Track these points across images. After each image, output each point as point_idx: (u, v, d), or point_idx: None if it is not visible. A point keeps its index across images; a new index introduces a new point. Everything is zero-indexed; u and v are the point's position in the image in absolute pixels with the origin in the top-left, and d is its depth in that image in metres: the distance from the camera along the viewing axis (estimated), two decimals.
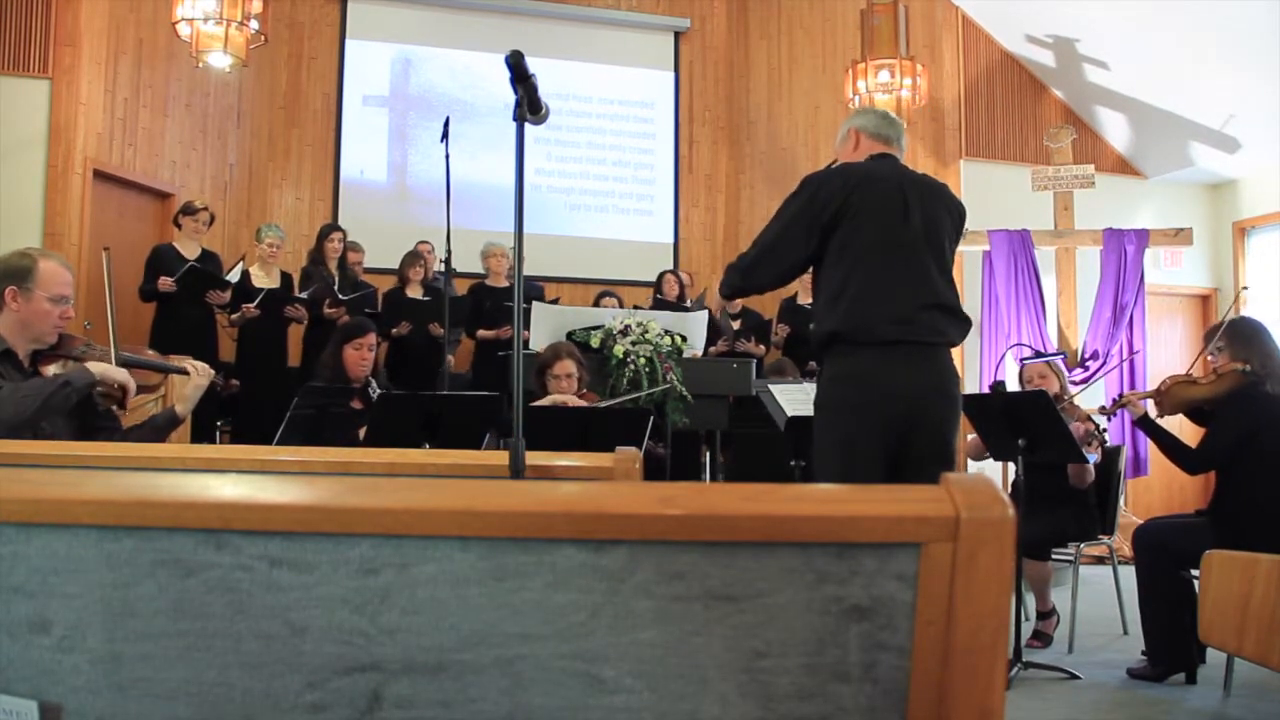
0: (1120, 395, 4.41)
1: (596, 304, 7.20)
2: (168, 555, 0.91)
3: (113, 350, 3.06)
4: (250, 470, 2.04)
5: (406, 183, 8.70)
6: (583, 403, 4.49)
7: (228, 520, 0.90)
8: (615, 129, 9.19)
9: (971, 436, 4.76)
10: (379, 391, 4.39)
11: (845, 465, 2.87)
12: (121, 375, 2.92)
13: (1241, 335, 4.06)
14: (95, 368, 2.87)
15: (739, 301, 7.45)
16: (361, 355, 4.44)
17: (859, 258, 2.91)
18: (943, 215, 3.03)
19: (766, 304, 7.75)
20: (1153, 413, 4.30)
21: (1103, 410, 4.64)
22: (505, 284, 7.02)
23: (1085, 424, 4.56)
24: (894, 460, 2.89)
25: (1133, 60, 7.60)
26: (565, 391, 4.51)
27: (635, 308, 6.68)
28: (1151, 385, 4.49)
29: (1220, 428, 4.05)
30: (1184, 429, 4.39)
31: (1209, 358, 4.19)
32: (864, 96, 7.38)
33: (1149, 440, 4.36)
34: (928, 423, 2.90)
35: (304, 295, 6.49)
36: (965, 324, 3.03)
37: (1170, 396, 4.17)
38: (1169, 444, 4.18)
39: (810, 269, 3.07)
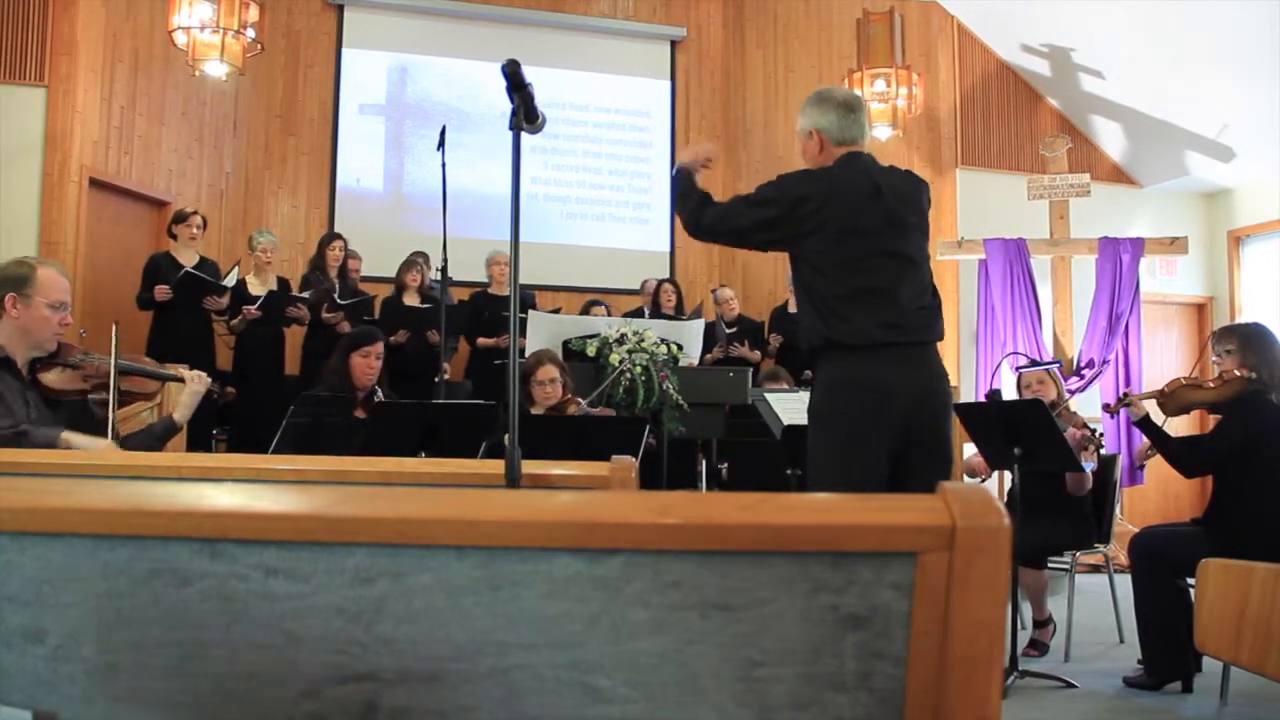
0: (1125, 394, 4.41)
1: (585, 312, 7.19)
2: (163, 564, 0.91)
3: (110, 427, 3.03)
4: (246, 479, 2.04)
5: (403, 191, 8.70)
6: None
7: (223, 529, 0.90)
8: (611, 138, 9.20)
9: (969, 456, 4.78)
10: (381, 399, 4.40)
11: (845, 472, 2.88)
12: (96, 447, 2.83)
13: (1253, 341, 4.06)
14: (68, 437, 2.80)
15: (736, 309, 7.46)
16: (369, 364, 4.45)
17: (844, 266, 2.93)
18: (915, 208, 3.06)
19: (762, 310, 7.76)
20: (1155, 414, 4.30)
21: (1106, 408, 4.64)
22: (506, 292, 7.02)
23: (1081, 430, 4.57)
24: (894, 461, 2.90)
25: (1128, 70, 7.63)
26: (550, 397, 4.54)
27: (626, 315, 6.68)
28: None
29: (1221, 432, 4.07)
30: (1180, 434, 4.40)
31: (1214, 360, 4.19)
32: None
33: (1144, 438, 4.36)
34: (925, 422, 2.92)
35: (304, 295, 6.50)
36: (942, 317, 3.09)
37: (1175, 398, 4.18)
38: (1166, 445, 4.18)
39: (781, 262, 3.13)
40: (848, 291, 2.92)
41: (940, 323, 3.05)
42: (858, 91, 7.37)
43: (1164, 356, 8.49)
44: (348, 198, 8.55)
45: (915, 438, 2.90)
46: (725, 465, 5.79)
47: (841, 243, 2.93)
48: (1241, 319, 7.90)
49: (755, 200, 3.06)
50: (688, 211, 3.16)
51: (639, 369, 5.44)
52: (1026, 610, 4.70)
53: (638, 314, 7.10)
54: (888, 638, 0.87)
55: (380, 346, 4.53)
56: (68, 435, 2.80)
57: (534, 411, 4.51)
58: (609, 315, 6.71)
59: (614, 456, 1.92)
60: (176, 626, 0.91)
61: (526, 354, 5.17)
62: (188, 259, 6.29)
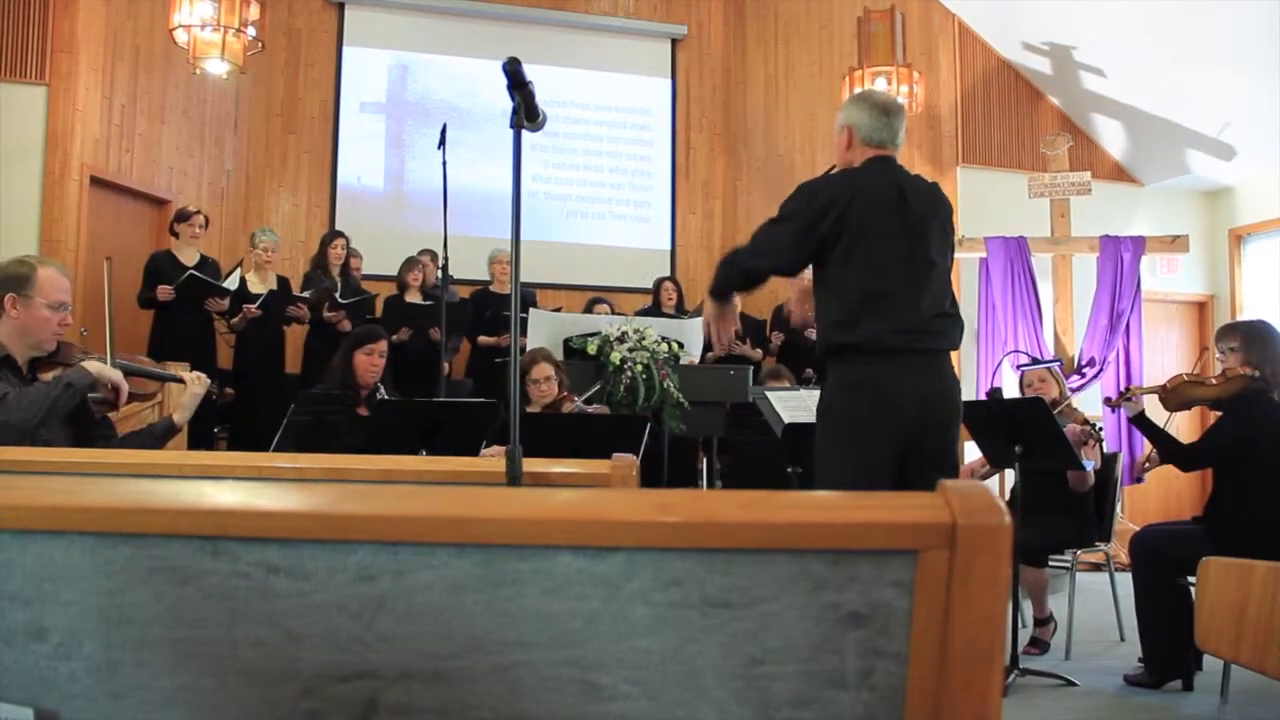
0: (1127, 388, 4.40)
1: (589, 311, 7.19)
2: (164, 562, 0.91)
3: (109, 356, 3.06)
4: (247, 477, 2.04)
5: (403, 189, 8.70)
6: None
7: (224, 527, 0.90)
8: (612, 136, 9.20)
9: (968, 462, 4.77)
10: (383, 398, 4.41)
11: (847, 472, 2.88)
12: (116, 375, 2.94)
13: (1257, 339, 4.05)
14: (92, 367, 2.89)
15: (738, 309, 7.43)
16: (372, 361, 4.46)
17: (863, 270, 2.92)
18: (938, 219, 3.05)
19: (763, 308, 7.76)
20: (1158, 411, 4.30)
21: (1108, 401, 4.64)
22: (508, 290, 7.01)
23: (1082, 426, 4.57)
24: (899, 466, 2.90)
25: (1129, 68, 7.62)
26: (545, 395, 4.55)
27: (634, 313, 6.68)
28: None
29: (1221, 428, 4.07)
30: (1181, 430, 4.40)
31: (1218, 357, 4.19)
32: None
33: (1145, 443, 4.37)
34: (931, 428, 2.92)
35: (306, 294, 6.51)
36: (962, 327, 3.07)
37: (1176, 394, 4.18)
38: (1163, 441, 4.19)
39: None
40: (864, 295, 2.91)
41: (957, 332, 3.04)
42: (859, 89, 7.36)
43: (1165, 355, 8.49)
44: (348, 196, 8.56)
45: (920, 443, 2.90)
46: (725, 463, 5.79)
47: (862, 245, 2.92)
48: (1243, 317, 7.89)
49: (781, 218, 3.02)
50: (729, 272, 3.11)
51: (640, 367, 5.44)
52: (1027, 608, 4.70)
53: (647, 313, 7.11)
54: (888, 635, 0.87)
55: (384, 344, 4.55)
56: (88, 364, 2.91)
57: (529, 409, 4.52)
58: (613, 313, 6.71)
59: (615, 454, 1.92)
60: (178, 624, 0.92)
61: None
62: (189, 258, 6.30)
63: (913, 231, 2.95)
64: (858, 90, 3.18)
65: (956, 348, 3.07)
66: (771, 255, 3.03)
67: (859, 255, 2.92)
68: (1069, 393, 5.11)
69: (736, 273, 3.12)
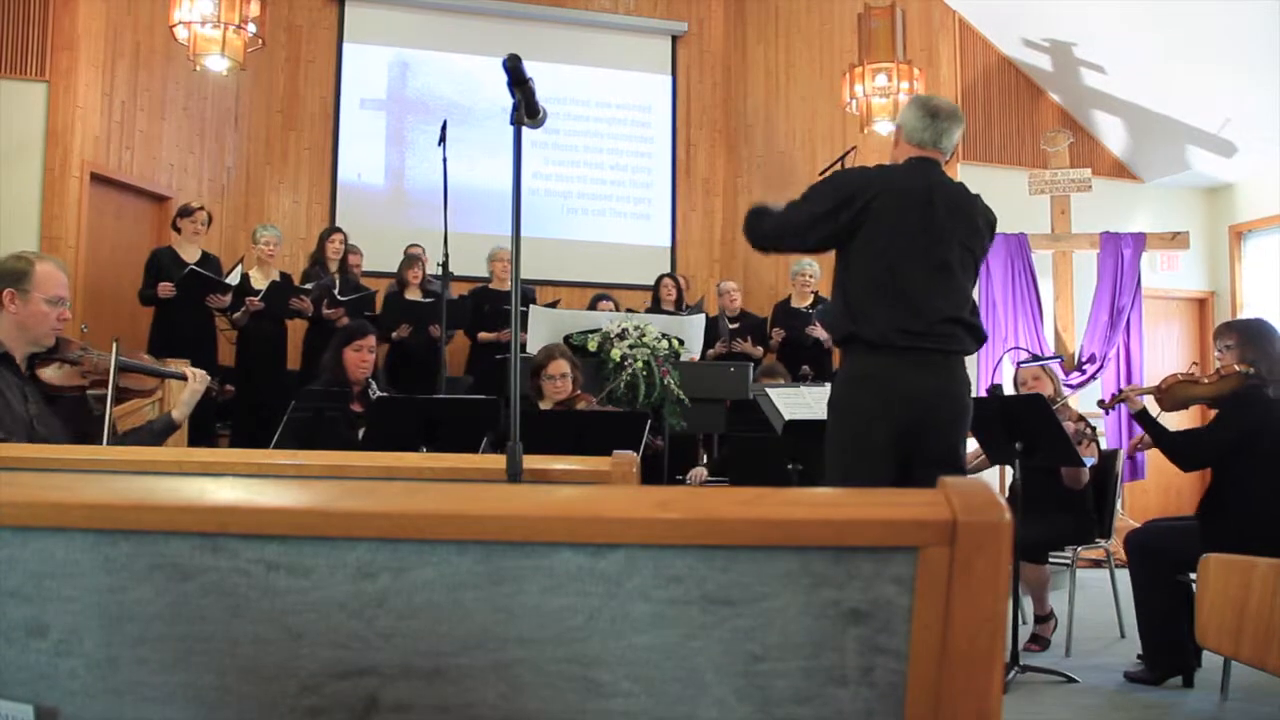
0: (1120, 390, 4.40)
1: (593, 307, 7.20)
2: (164, 559, 0.91)
3: (108, 409, 3.02)
4: (247, 474, 2.04)
5: (404, 186, 8.71)
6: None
7: (224, 524, 0.90)
8: (613, 133, 9.20)
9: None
10: (378, 394, 4.40)
11: (853, 466, 2.89)
12: None
13: (1253, 337, 4.05)
14: None
15: (738, 301, 7.45)
16: (362, 357, 4.47)
17: (878, 264, 2.94)
18: (971, 228, 3.07)
19: (763, 306, 7.75)
20: (1152, 409, 4.30)
21: (1101, 404, 4.64)
22: (507, 288, 7.01)
23: (1076, 424, 4.57)
24: (904, 464, 2.90)
25: (1129, 64, 7.61)
26: (560, 392, 4.55)
27: (630, 310, 6.68)
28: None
29: (1218, 426, 4.07)
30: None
31: (1216, 355, 4.19)
32: (860, 100, 7.39)
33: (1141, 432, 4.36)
34: (937, 427, 2.92)
35: (308, 287, 6.51)
36: (980, 338, 3.07)
37: (1171, 394, 4.18)
38: (1165, 439, 4.18)
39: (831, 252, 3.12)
40: (876, 290, 2.93)
41: (971, 340, 3.04)
42: (879, 92, 7.36)
43: (1165, 351, 8.48)
44: (349, 193, 8.56)
45: (924, 440, 2.91)
46: (724, 456, 5.79)
47: (880, 240, 2.93)
48: (1243, 314, 7.89)
49: (805, 197, 3.06)
50: (748, 226, 3.15)
51: (640, 364, 5.44)
52: (1028, 605, 4.70)
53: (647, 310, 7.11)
54: (889, 632, 0.87)
55: (372, 340, 4.55)
56: None
57: (543, 406, 4.53)
58: (617, 310, 6.71)
59: (615, 451, 1.91)
60: (178, 621, 0.92)
61: (527, 349, 5.18)
62: (190, 254, 6.30)
63: (933, 235, 2.96)
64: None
65: (969, 353, 3.07)
66: (793, 231, 3.07)
67: (876, 249, 2.94)
68: (1064, 390, 5.11)
69: (753, 228, 3.15)
